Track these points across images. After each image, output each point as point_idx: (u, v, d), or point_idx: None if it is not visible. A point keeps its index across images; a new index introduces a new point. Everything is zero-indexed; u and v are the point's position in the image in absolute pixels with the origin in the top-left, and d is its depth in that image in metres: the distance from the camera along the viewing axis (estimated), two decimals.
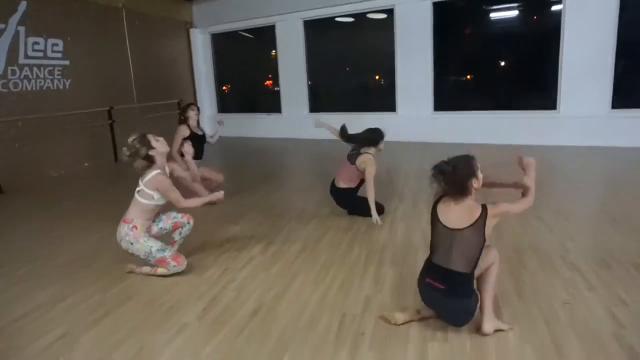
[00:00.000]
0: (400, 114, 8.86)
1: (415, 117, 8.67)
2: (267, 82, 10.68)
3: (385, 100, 9.08)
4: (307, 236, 3.76)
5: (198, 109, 5.00)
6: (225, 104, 11.00)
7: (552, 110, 7.74)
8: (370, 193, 3.97)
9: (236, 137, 10.23)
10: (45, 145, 6.68)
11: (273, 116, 10.20)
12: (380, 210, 4.09)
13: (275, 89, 10.31)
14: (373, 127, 4.20)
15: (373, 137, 4.10)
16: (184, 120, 4.90)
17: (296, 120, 9.88)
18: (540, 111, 7.86)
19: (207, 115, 10.85)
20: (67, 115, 6.96)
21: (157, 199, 3.03)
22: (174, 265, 3.02)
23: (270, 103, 10.25)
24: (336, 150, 8.37)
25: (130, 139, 3.02)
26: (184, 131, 4.79)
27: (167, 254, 3.00)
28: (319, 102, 9.82)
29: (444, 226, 2.23)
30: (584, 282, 2.79)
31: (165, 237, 3.23)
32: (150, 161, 3.04)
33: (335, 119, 9.29)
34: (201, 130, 5.05)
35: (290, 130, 9.88)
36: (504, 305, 2.55)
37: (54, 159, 6.82)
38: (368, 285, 2.88)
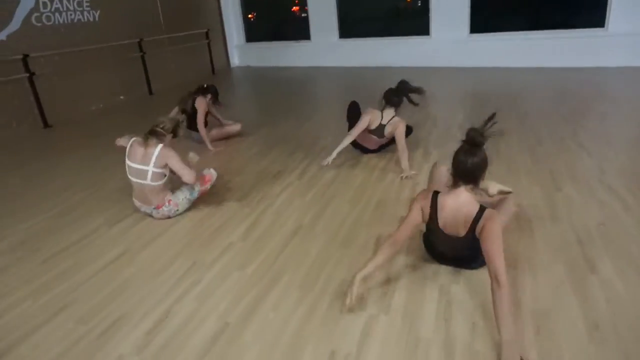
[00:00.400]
0: (434, 38, 8.47)
1: (450, 41, 8.28)
2: (295, 7, 10.30)
3: (418, 23, 8.65)
4: (341, 163, 3.83)
5: (212, 96, 4.61)
6: (252, 33, 10.76)
7: (599, 28, 7.23)
8: (404, 155, 3.56)
9: (264, 67, 10.12)
10: (82, 78, 6.82)
11: (302, 43, 9.95)
12: (409, 131, 3.94)
13: (303, 15, 9.95)
14: (398, 83, 3.77)
15: (395, 99, 3.72)
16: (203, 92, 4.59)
17: (325, 47, 9.61)
18: (586, 29, 7.36)
19: (235, 44, 10.68)
20: (99, 48, 7.00)
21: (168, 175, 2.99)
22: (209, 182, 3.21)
23: (299, 30, 9.95)
24: (366, 77, 8.21)
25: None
26: (205, 105, 4.52)
27: (197, 188, 3.14)
28: (348, 27, 9.46)
29: (443, 232, 2.09)
30: (620, 204, 2.79)
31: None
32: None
33: (366, 45, 9.06)
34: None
35: (319, 57, 9.66)
36: (537, 228, 2.60)
37: (91, 93, 6.98)
38: (402, 207, 2.98)
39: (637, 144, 3.88)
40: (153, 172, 2.87)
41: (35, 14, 6.17)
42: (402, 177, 3.45)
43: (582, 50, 7.30)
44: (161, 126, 2.91)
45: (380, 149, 4.01)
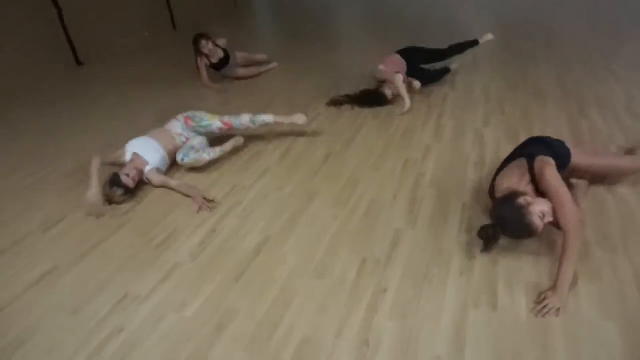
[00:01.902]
0: None
1: None
2: None
3: None
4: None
5: (206, 40, 4.47)
6: None
7: None
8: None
9: None
10: (108, 16, 6.86)
11: None
12: (445, 72, 4.01)
13: None
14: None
15: None
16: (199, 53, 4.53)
17: None
18: None
19: None
20: None
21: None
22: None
23: None
24: (391, 2, 7.94)
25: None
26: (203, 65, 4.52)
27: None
28: None
29: None
30: None
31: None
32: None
33: None
34: (221, 52, 4.61)
35: None
36: None
37: (118, 30, 7.04)
38: (428, 134, 3.10)
39: None
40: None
41: None
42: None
43: None
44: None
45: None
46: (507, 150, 2.76)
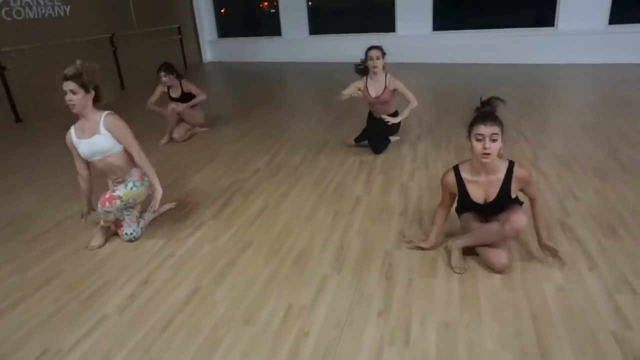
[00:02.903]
0: (400, 34, 8.87)
1: (414, 37, 8.69)
2: (265, 3, 10.52)
3: (385, 20, 9.03)
4: (308, 148, 4.15)
5: (165, 71, 4.71)
6: (225, 28, 10.93)
7: (550, 28, 7.75)
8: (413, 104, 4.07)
9: (236, 62, 10.32)
10: (53, 73, 6.90)
11: (273, 39, 10.19)
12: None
13: (272, 11, 10.20)
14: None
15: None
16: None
17: (296, 43, 9.89)
18: (539, 29, 7.88)
19: (207, 40, 10.83)
20: (71, 43, 7.09)
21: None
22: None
23: (270, 26, 10.19)
24: (334, 72, 8.54)
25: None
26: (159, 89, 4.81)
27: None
28: (319, 23, 9.76)
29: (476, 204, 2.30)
30: (546, 183, 3.20)
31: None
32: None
33: (335, 41, 9.38)
34: (179, 90, 4.83)
35: (290, 53, 9.92)
36: None
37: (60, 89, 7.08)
38: (358, 187, 3.32)
39: (569, 133, 4.32)
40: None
41: (5, 9, 6.24)
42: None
43: (537, 47, 7.82)
44: None
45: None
46: (430, 199, 3.01)
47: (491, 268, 2.25)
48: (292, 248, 2.60)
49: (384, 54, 3.97)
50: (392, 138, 4.20)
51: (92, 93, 2.64)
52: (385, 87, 4.00)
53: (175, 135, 4.73)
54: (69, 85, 2.55)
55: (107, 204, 2.62)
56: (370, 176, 3.52)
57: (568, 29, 7.54)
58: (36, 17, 6.69)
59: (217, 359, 1.85)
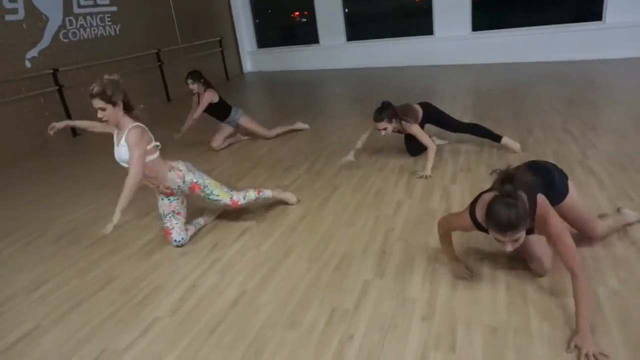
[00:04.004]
0: (438, 37, 8.76)
1: (452, 39, 8.56)
2: (304, 12, 10.68)
3: (423, 23, 8.95)
4: (347, 154, 4.17)
5: (192, 79, 4.93)
6: (263, 39, 11.18)
7: (597, 22, 7.43)
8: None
9: (276, 71, 10.51)
10: None
11: (311, 47, 10.32)
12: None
13: (303, 19, 10.35)
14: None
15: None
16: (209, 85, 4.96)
17: (334, 50, 9.96)
18: (585, 23, 7.57)
19: (247, 51, 11.11)
20: (121, 60, 7.47)
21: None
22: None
23: (307, 34, 10.33)
24: (373, 77, 8.54)
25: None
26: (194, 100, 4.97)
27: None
28: (355, 30, 9.80)
29: None
30: (597, 183, 3.07)
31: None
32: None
33: (372, 47, 9.38)
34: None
35: (328, 60, 10.00)
36: None
37: None
38: (399, 192, 3.31)
39: (621, 131, 4.12)
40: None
41: (63, 31, 6.67)
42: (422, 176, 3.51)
43: (580, 42, 7.51)
44: None
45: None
46: None
47: (534, 271, 2.19)
48: (334, 253, 2.63)
49: (391, 118, 3.62)
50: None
51: (120, 104, 2.68)
52: (403, 133, 3.85)
53: (213, 144, 4.87)
54: (96, 103, 2.60)
55: (176, 234, 2.87)
56: (411, 180, 3.50)
57: (617, 22, 7.20)
58: (90, 37, 7.11)
59: None
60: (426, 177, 3.48)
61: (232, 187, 3.77)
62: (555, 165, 2.32)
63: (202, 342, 2.05)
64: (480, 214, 1.96)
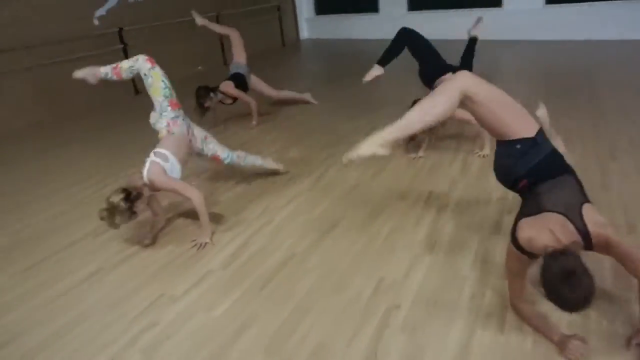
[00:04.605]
0: (507, 9, 8.25)
1: (524, 12, 8.03)
2: None
3: None
4: None
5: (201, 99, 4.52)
6: (322, 5, 10.98)
7: None
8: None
9: (332, 39, 10.35)
10: (167, 49, 7.48)
11: (370, 16, 10.04)
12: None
13: None
14: None
15: None
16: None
17: (394, 19, 9.64)
18: None
19: (304, 17, 10.99)
20: (182, 22, 7.60)
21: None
22: None
23: (367, 2, 10.04)
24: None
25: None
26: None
27: None
28: None
29: None
30: None
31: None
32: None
33: (435, 17, 8.99)
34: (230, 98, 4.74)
35: (388, 30, 9.69)
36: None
37: (176, 62, 7.64)
38: (455, 170, 3.23)
39: None
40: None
41: None
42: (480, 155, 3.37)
43: None
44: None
45: None
46: None
47: None
48: (384, 224, 2.62)
49: None
50: None
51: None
52: None
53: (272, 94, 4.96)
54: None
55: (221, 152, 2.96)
56: (468, 158, 3.39)
57: None
58: None
59: (309, 321, 1.95)
60: (484, 156, 3.37)
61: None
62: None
63: (251, 297, 2.13)
64: (525, 241, 1.60)
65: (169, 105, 2.70)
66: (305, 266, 2.33)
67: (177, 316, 2.06)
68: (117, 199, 2.37)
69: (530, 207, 1.71)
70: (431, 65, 3.69)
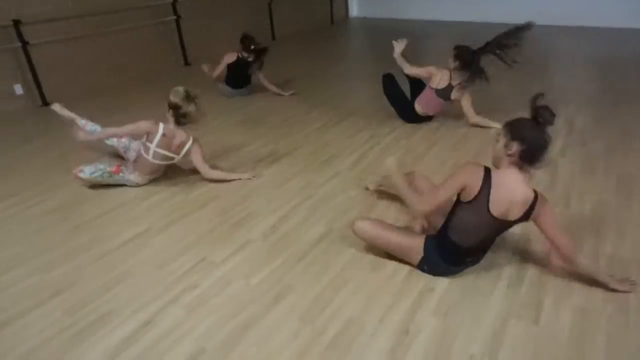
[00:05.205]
0: None
1: None
2: None
3: None
4: (446, 113, 4.02)
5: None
6: None
7: None
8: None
9: (382, 18, 10.14)
10: (217, 23, 7.59)
11: None
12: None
13: None
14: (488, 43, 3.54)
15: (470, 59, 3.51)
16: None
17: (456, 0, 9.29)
18: None
19: None
20: None
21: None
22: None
23: None
24: (484, 34, 7.85)
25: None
26: (231, 57, 4.89)
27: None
28: None
29: (490, 215, 1.84)
30: None
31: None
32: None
33: None
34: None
35: (444, 11, 9.35)
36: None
37: (223, 36, 7.75)
38: None
39: None
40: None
41: None
42: None
43: None
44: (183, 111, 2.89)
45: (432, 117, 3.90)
46: (584, 182, 2.74)
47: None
48: None
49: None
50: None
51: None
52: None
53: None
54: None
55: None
56: None
57: None
58: None
59: (343, 295, 2.00)
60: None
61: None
62: None
63: (288, 268, 2.20)
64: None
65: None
66: (343, 243, 2.36)
67: (217, 281, 2.15)
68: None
69: None
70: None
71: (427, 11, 9.57)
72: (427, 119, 3.87)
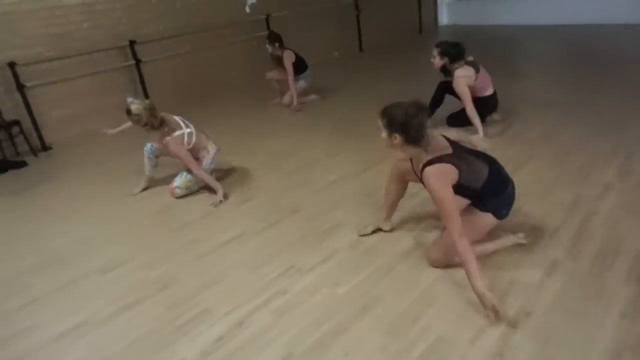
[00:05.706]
0: None
1: None
2: None
3: None
4: (543, 119, 3.76)
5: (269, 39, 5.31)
6: None
7: None
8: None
9: (473, 25, 9.76)
10: (307, 34, 7.81)
11: None
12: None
13: None
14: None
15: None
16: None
17: (550, 2, 8.71)
18: None
19: (445, 1, 10.54)
20: (323, 8, 7.86)
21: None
22: None
23: None
24: (599, 38, 7.21)
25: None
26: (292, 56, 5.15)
27: None
28: None
29: None
30: None
31: None
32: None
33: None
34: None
35: (542, 14, 8.78)
36: None
37: (314, 47, 7.95)
38: (611, 173, 2.87)
39: None
40: None
41: None
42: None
43: None
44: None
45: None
46: None
47: None
48: (522, 223, 2.45)
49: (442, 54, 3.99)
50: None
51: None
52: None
53: (285, 100, 5.36)
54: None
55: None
56: (628, 161, 2.98)
57: None
58: None
59: (432, 313, 1.93)
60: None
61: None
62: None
63: (376, 280, 2.18)
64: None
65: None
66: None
67: (304, 288, 2.20)
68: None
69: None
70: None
71: (518, 16, 9.06)
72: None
